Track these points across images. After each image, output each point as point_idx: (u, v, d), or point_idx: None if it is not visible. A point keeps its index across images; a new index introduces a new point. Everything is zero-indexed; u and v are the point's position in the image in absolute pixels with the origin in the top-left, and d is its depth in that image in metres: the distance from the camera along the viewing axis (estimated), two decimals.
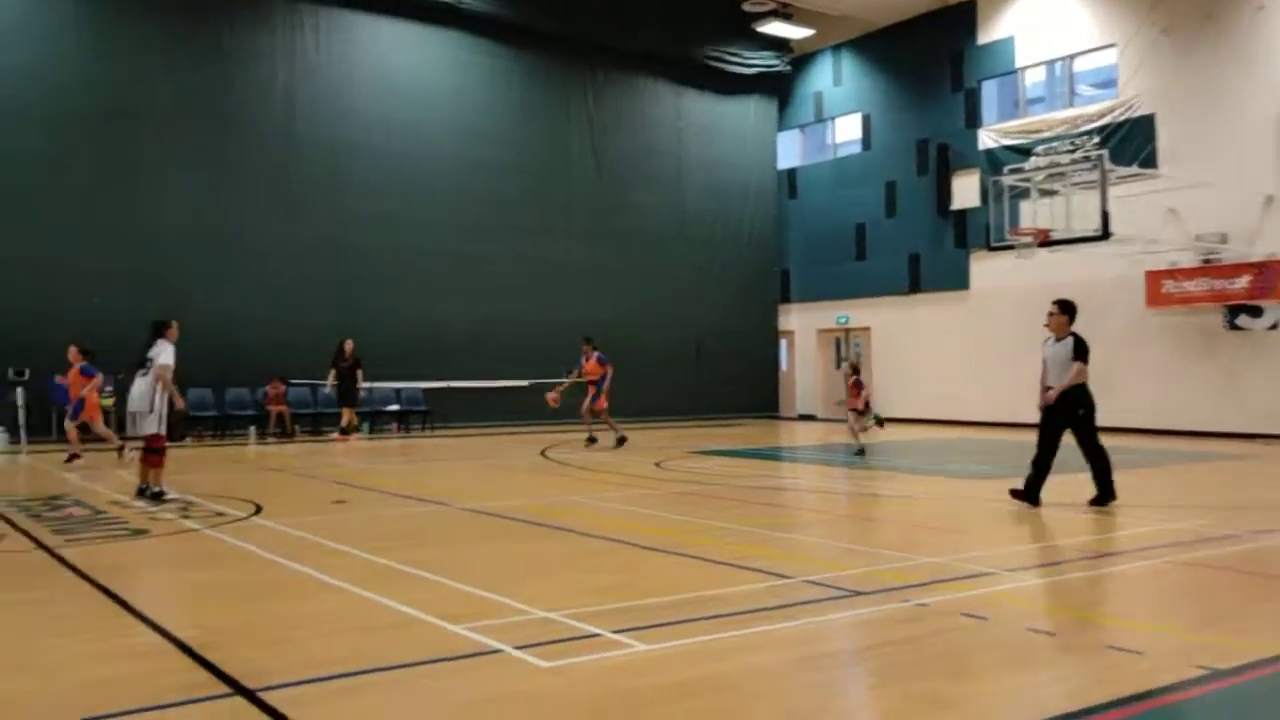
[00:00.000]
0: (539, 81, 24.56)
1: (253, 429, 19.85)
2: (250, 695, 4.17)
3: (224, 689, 4.28)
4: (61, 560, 7.17)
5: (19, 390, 17.06)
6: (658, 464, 14.46)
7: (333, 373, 19.50)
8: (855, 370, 16.47)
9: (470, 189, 23.05)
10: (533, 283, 23.69)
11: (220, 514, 9.45)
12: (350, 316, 20.64)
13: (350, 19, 21.95)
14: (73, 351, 14.70)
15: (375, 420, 21.69)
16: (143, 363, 10.55)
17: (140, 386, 10.55)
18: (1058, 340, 9.75)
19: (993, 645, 5.07)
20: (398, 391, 22.09)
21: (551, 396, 18.18)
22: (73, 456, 14.39)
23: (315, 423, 20.91)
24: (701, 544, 7.73)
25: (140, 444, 10.72)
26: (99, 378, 14.70)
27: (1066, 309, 9.84)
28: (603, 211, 25.15)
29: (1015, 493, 9.74)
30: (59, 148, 18.62)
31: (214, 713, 4.05)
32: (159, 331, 10.68)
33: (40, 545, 7.78)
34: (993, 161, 22.64)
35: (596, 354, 17.53)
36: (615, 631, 5.10)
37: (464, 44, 23.39)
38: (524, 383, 22.20)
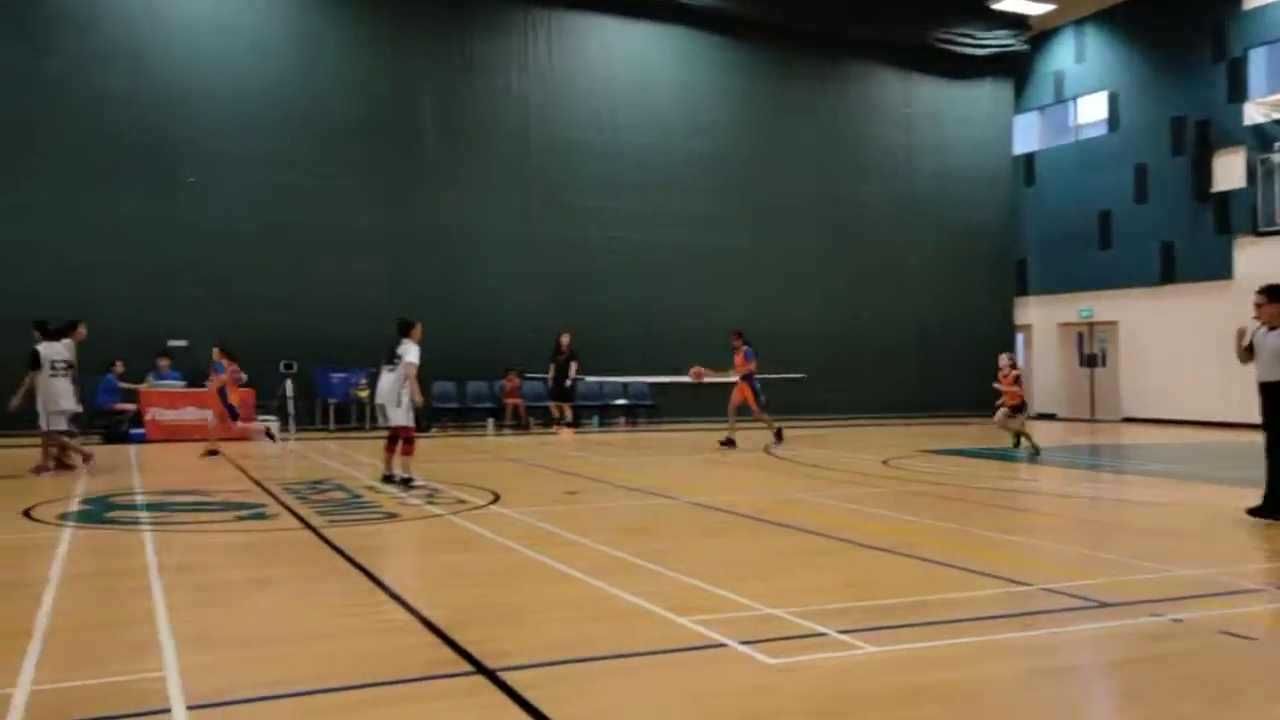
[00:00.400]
0: (763, 73, 24.54)
1: (490, 421, 20.89)
2: (491, 675, 4.41)
3: (467, 667, 4.55)
4: (325, 540, 7.82)
5: (288, 382, 18.68)
6: (885, 462, 14.14)
7: (552, 367, 20.35)
8: (1013, 364, 15.93)
9: (695, 183, 23.33)
10: (757, 276, 23.67)
11: (462, 501, 10.02)
12: (573, 312, 21.38)
13: (579, 21, 22.72)
14: (215, 352, 15.03)
15: (603, 414, 22.33)
16: (390, 359, 11.33)
17: (387, 381, 11.34)
18: (1270, 330, 8.89)
19: (1262, 671, 4.65)
20: (624, 386, 22.66)
21: (697, 371, 17.83)
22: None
23: (547, 415, 21.81)
24: (931, 545, 7.51)
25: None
26: (223, 375, 14.98)
27: (1276, 296, 8.95)
28: (827, 201, 24.82)
29: (1255, 510, 8.94)
30: (320, 154, 20.26)
31: (457, 689, 4.31)
32: (404, 331, 11.44)
33: (307, 525, 8.51)
34: (1261, 138, 20.72)
35: (746, 348, 16.57)
36: (842, 632, 5.05)
37: (689, 39, 23.72)
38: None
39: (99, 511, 9.33)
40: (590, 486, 11.53)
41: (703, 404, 22.31)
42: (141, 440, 17.04)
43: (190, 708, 3.98)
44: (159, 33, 19.40)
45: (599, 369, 21.14)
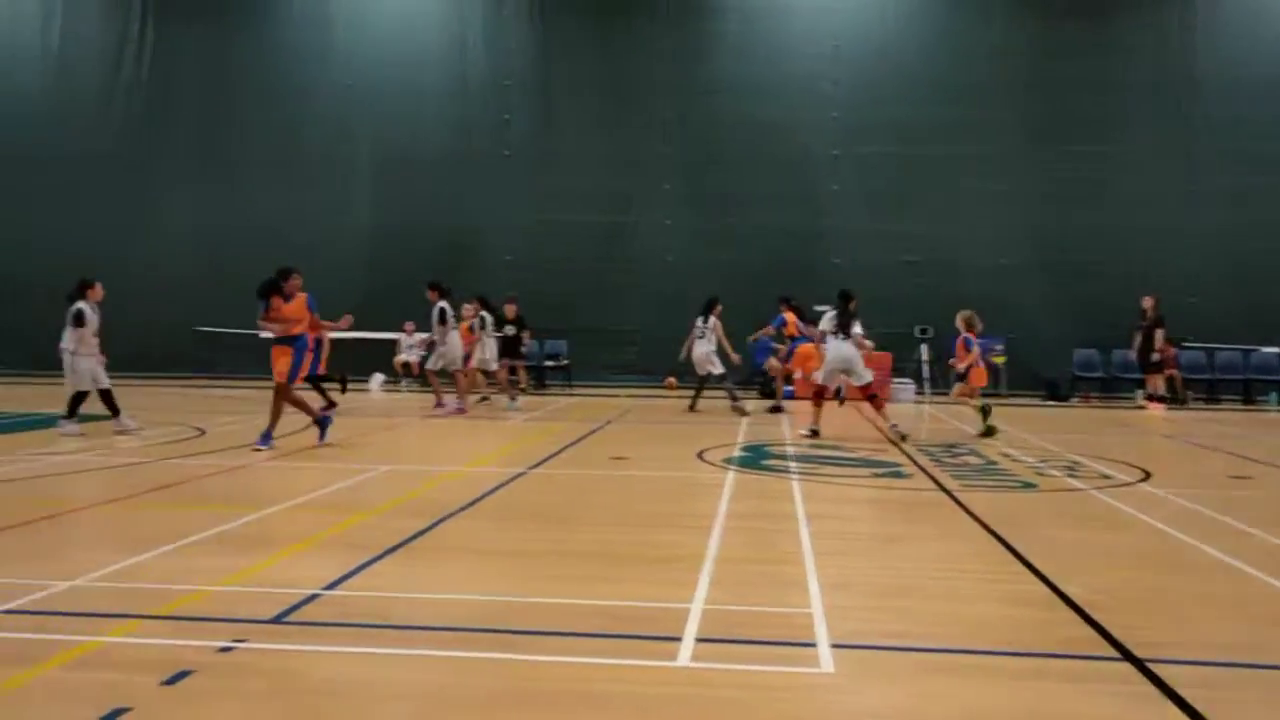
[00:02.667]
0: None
1: (1139, 392, 19.18)
2: (1140, 664, 4.08)
3: (1110, 652, 4.25)
4: (959, 503, 7.83)
5: (923, 346, 18.98)
6: None
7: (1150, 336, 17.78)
8: (970, 325, 13.10)
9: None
10: None
11: (1106, 476, 9.35)
12: None
13: None
14: (472, 304, 16.20)
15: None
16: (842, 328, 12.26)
17: (843, 349, 12.23)
18: None
19: None
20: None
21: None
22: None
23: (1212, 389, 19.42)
24: None
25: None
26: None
27: None
28: None
29: None
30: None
31: (1099, 673, 4.05)
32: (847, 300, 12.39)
33: (941, 487, 8.60)
34: None
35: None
36: None
37: None
38: None
39: (756, 459, 10.38)
40: (1267, 473, 10.03)
41: None
42: (789, 396, 18.54)
43: (833, 646, 4.27)
44: None
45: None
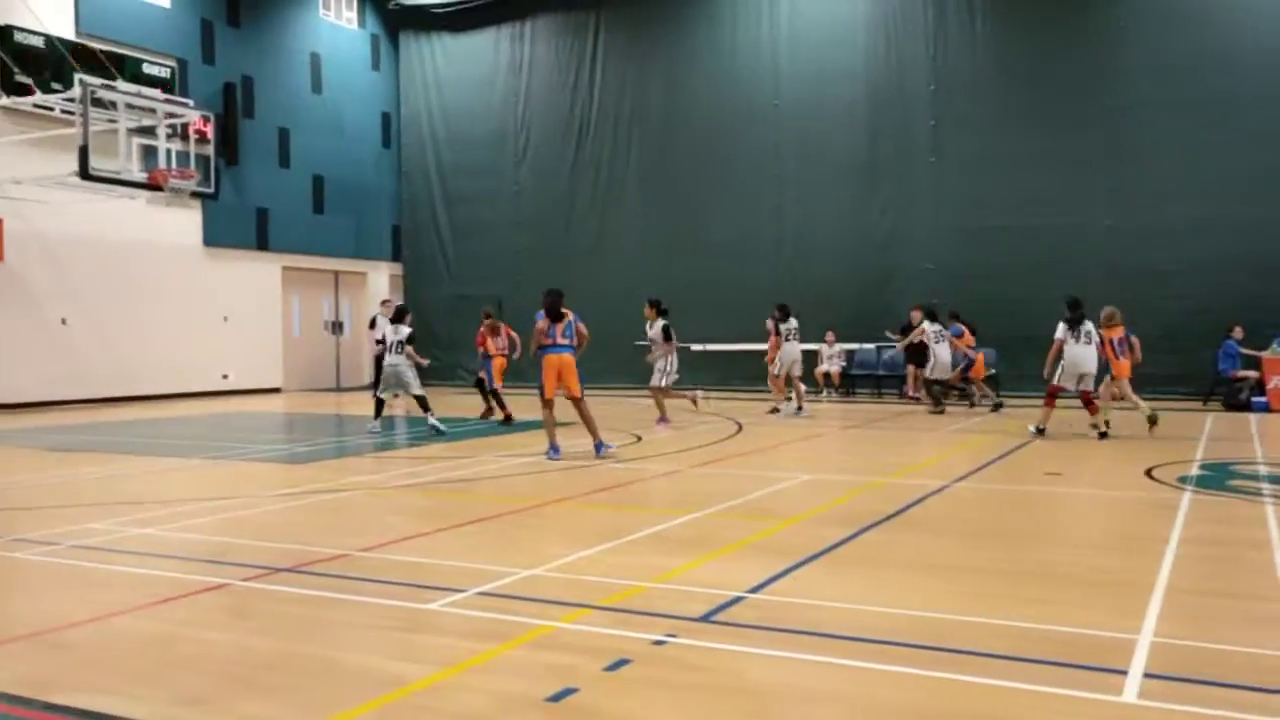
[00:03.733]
0: None
1: None
2: None
3: None
4: None
5: None
6: None
7: None
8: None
9: None
10: None
11: None
12: None
13: None
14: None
15: None
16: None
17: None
18: None
19: None
20: None
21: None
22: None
23: None
24: None
25: None
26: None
27: None
28: None
29: None
30: None
31: None
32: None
33: None
34: None
35: None
36: None
37: None
38: None
39: (1219, 478, 9.21)
40: None
41: None
42: (1264, 409, 16.26)
43: None
44: None
45: None
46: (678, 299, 16.98)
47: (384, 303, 17.63)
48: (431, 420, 13.36)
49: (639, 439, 12.84)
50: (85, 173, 15.14)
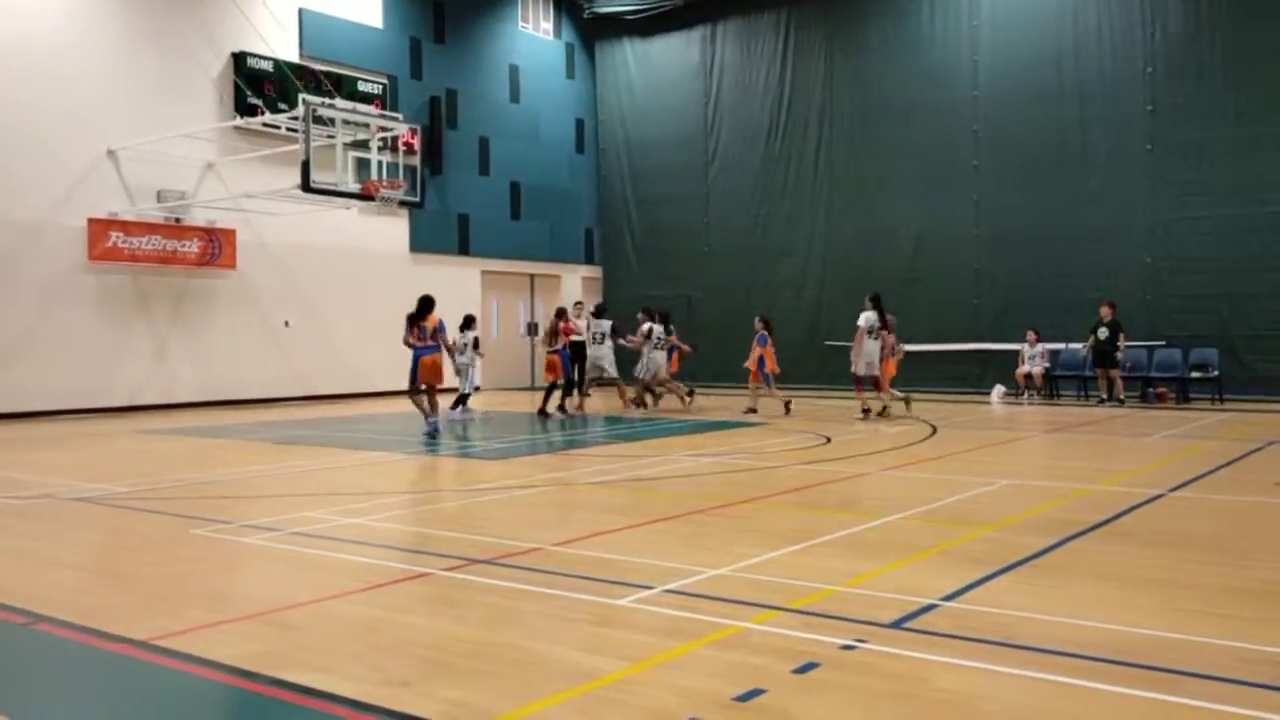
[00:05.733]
0: None
1: None
2: None
3: None
4: None
5: None
6: None
7: None
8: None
9: None
10: None
11: None
12: None
13: None
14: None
15: None
16: None
17: None
18: None
19: None
20: None
21: None
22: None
23: None
24: None
25: None
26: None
27: None
28: None
29: None
30: None
31: None
32: None
33: None
34: None
35: None
36: None
37: None
38: None
39: None
40: None
41: None
42: None
43: None
44: None
45: None
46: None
47: (576, 304, 18.68)
48: (455, 415, 15.87)
49: (828, 440, 12.66)
50: (307, 185, 16.20)
